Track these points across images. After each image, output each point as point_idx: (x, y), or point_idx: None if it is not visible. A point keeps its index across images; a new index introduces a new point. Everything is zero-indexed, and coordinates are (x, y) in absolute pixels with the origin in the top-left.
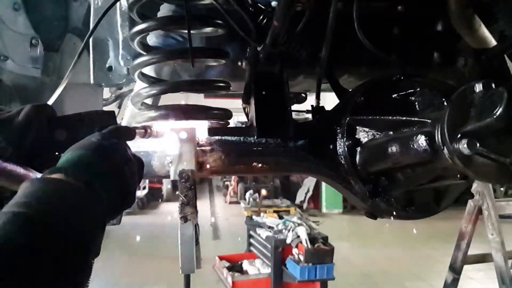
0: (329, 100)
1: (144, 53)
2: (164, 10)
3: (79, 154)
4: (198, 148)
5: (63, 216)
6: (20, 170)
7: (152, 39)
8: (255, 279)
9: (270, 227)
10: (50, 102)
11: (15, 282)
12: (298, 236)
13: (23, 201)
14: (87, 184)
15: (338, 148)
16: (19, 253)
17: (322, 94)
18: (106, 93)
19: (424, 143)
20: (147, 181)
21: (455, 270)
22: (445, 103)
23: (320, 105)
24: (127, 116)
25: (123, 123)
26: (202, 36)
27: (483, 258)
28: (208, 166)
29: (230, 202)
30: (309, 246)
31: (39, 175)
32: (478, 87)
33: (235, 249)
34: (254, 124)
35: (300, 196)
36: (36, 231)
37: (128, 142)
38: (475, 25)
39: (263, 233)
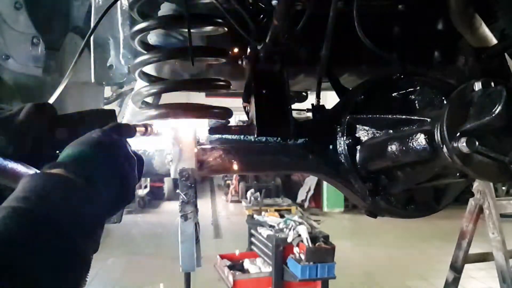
0: (330, 99)
1: (145, 52)
2: (165, 9)
3: (79, 149)
4: (198, 146)
5: (63, 211)
6: (21, 168)
7: (152, 38)
8: (256, 277)
9: (271, 226)
10: (51, 100)
11: (14, 276)
12: (299, 235)
13: (23, 195)
14: (87, 180)
15: (338, 146)
16: (18, 247)
17: (322, 93)
18: (107, 92)
19: (424, 142)
20: (148, 179)
21: (456, 269)
22: (445, 102)
23: (321, 104)
24: (128, 114)
25: (124, 122)
26: (202, 35)
27: (484, 257)
28: (208, 164)
29: (232, 201)
30: (310, 245)
31: None
32: (478, 86)
33: (236, 248)
34: (255, 123)
35: (301, 195)
36: (35, 226)
37: (129, 140)
38: (476, 24)
39: (264, 231)
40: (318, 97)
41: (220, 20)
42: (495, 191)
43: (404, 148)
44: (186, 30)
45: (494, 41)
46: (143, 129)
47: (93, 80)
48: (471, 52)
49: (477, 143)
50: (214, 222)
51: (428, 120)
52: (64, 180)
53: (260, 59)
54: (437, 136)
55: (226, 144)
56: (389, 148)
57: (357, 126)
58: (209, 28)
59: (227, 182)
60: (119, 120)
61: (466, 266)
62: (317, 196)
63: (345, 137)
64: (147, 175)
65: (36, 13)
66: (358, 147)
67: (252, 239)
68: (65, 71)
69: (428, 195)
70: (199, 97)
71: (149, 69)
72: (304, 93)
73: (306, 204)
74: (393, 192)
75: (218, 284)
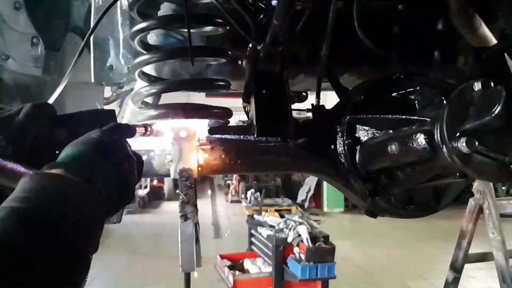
0: (330, 99)
1: (145, 52)
2: (165, 9)
3: (79, 150)
4: (198, 146)
5: (62, 211)
6: (20, 168)
7: (152, 38)
8: (256, 277)
9: (271, 226)
10: (50, 101)
11: (14, 277)
12: (299, 235)
13: (22, 196)
14: (86, 180)
15: (338, 146)
16: (17, 248)
17: (322, 93)
18: (107, 92)
19: (423, 142)
20: (148, 180)
21: (456, 269)
22: (445, 102)
23: (321, 104)
24: (128, 114)
25: (124, 122)
26: (202, 35)
27: (484, 257)
28: (208, 164)
29: (232, 201)
30: (310, 245)
31: None
32: (477, 86)
33: (237, 248)
34: (254, 123)
35: (301, 195)
36: (34, 226)
37: (129, 140)
38: (476, 24)
39: (264, 232)
40: (318, 97)
41: (220, 20)
42: (495, 191)
43: (404, 148)
44: (186, 30)
45: (494, 41)
46: (143, 129)
47: (93, 80)
48: (471, 52)
49: (476, 143)
50: (214, 222)
51: (428, 120)
52: (64, 180)
53: (260, 59)
54: (437, 136)
55: (226, 144)
56: (389, 148)
57: (357, 126)
58: (209, 28)
59: (227, 182)
60: (119, 120)
61: (466, 266)
62: (317, 196)
63: (345, 137)
64: (147, 175)
65: (36, 13)
66: (358, 147)
67: (252, 239)
68: (65, 71)
69: (428, 195)
70: (199, 97)
71: (149, 69)
72: (304, 93)
73: (306, 204)
74: (393, 192)
75: (218, 284)
